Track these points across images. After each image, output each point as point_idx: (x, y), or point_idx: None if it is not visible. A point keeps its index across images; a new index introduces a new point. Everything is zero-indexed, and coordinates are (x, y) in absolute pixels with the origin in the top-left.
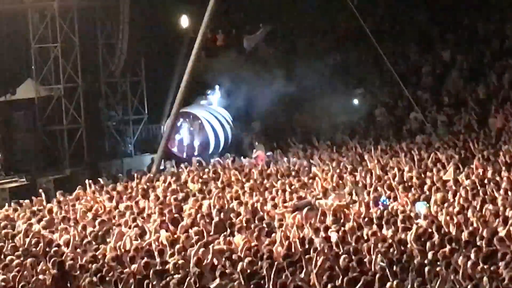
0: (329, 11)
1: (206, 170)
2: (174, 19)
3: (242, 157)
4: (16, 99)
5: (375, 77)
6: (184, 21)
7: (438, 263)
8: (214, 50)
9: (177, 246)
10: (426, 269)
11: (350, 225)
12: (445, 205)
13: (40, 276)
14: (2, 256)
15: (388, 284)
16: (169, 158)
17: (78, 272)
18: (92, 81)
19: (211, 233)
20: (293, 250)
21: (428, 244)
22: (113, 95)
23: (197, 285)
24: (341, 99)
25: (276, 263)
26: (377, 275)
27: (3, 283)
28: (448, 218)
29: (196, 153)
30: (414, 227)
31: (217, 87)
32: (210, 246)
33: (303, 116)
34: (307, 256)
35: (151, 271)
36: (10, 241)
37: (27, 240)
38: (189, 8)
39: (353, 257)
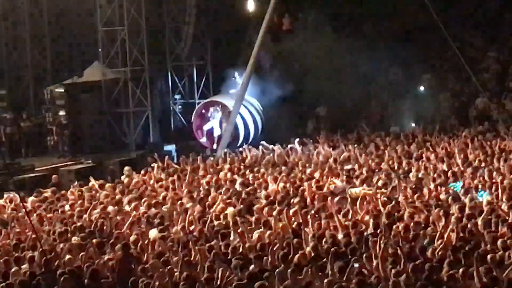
0: None
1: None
2: (240, 3)
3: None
4: (83, 81)
5: (442, 63)
6: (251, 5)
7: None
8: (280, 34)
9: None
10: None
11: (408, 211)
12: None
13: (105, 257)
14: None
15: (452, 271)
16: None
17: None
18: (158, 64)
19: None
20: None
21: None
22: (179, 79)
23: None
24: (408, 85)
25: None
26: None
27: (68, 263)
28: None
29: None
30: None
31: (236, 74)
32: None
33: (369, 101)
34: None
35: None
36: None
37: (93, 220)
38: None
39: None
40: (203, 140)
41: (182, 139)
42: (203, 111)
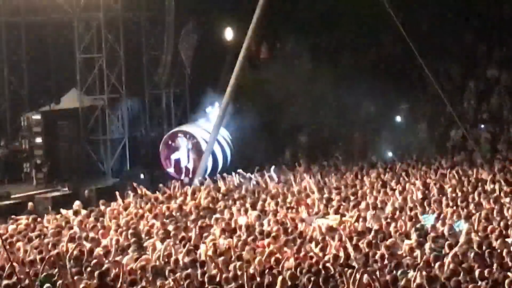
0: (374, 27)
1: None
2: (219, 31)
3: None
4: (61, 108)
5: (419, 93)
6: (229, 34)
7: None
8: (258, 62)
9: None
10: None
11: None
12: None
13: (81, 286)
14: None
15: None
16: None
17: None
18: (136, 92)
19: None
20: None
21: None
22: (157, 107)
23: None
24: (385, 115)
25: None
26: None
27: None
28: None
29: (191, 175)
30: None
31: (216, 103)
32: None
33: (346, 130)
34: (346, 271)
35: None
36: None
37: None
38: (233, 21)
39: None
40: (171, 170)
41: (157, 167)
42: (170, 141)
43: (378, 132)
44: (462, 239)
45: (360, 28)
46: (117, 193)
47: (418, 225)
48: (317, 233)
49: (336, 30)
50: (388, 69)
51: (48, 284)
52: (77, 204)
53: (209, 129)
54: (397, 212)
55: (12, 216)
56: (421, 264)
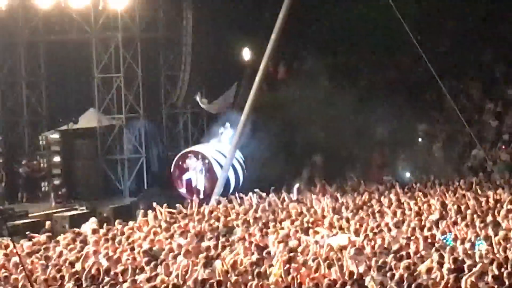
0: (392, 46)
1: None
2: (236, 51)
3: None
4: (79, 128)
5: (437, 113)
6: (246, 53)
7: None
8: (275, 82)
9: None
10: None
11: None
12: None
13: None
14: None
15: None
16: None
17: None
18: (153, 111)
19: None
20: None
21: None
22: (174, 126)
23: None
24: (403, 135)
25: None
26: None
27: None
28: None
29: (203, 196)
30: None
31: (227, 124)
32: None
33: (364, 151)
34: None
35: None
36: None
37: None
38: (251, 41)
39: None
40: (183, 190)
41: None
42: (180, 162)
43: (395, 152)
44: (480, 259)
45: (378, 48)
46: (141, 211)
47: (437, 246)
48: (332, 253)
49: (353, 50)
50: (406, 89)
51: None
52: (92, 221)
53: (221, 149)
54: (415, 233)
55: (28, 233)
56: (441, 285)
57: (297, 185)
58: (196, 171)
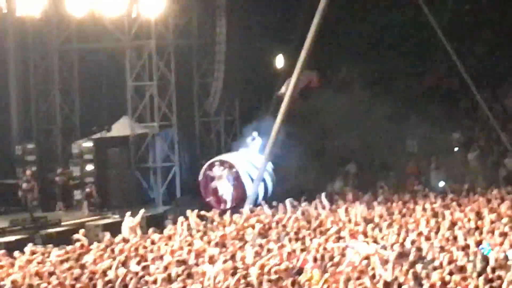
0: (427, 54)
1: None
2: (270, 59)
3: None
4: (112, 136)
5: (472, 121)
6: (280, 61)
7: None
8: (308, 90)
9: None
10: None
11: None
12: None
13: None
14: None
15: None
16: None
17: None
18: (186, 119)
19: None
20: None
21: None
22: (207, 134)
23: None
24: (438, 144)
25: None
26: None
27: None
28: None
29: (230, 205)
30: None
31: (255, 133)
32: None
33: (398, 160)
34: None
35: None
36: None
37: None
38: (284, 48)
39: None
40: (210, 199)
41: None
42: (208, 171)
43: (429, 161)
44: None
45: (412, 56)
46: (169, 221)
47: (479, 256)
48: (363, 261)
49: (388, 58)
50: (441, 97)
51: None
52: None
53: (249, 158)
54: (449, 242)
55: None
56: None
57: (323, 194)
58: (223, 180)
